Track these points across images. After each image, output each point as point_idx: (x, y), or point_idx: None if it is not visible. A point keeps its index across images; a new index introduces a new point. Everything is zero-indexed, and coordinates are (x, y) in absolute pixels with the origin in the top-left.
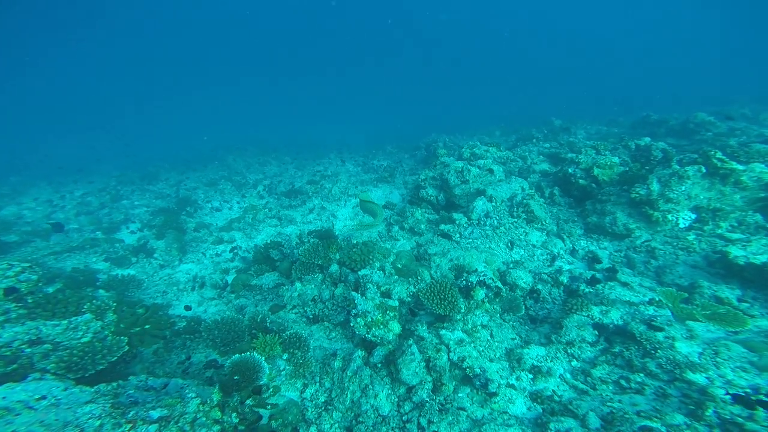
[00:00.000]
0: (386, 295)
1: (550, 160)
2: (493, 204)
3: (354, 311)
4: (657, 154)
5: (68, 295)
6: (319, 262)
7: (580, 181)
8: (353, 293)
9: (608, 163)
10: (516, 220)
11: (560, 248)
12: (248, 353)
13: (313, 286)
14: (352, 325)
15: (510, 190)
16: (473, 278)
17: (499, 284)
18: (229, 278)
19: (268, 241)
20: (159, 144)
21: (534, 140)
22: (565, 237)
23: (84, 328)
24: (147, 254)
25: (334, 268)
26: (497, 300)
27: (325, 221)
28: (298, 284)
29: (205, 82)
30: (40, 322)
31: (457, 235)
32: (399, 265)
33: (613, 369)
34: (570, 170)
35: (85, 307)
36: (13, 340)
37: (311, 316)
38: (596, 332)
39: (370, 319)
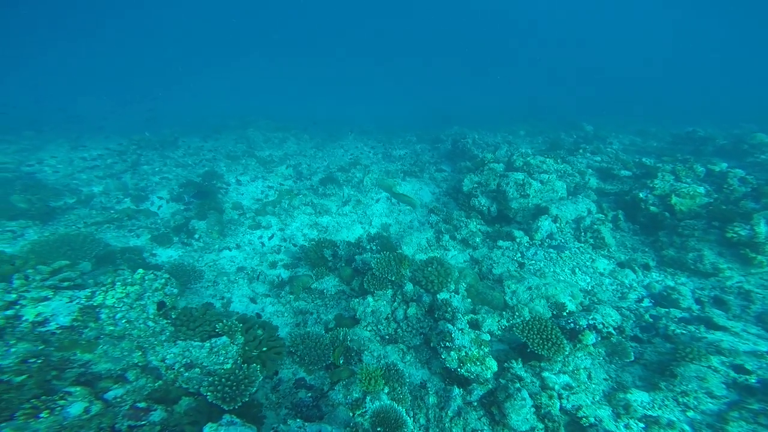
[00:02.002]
0: (475, 326)
1: (599, 174)
2: (558, 225)
3: (448, 343)
4: (733, 182)
5: (202, 313)
6: (392, 278)
7: (651, 208)
8: (448, 326)
9: (690, 193)
10: (582, 245)
11: (632, 279)
12: (388, 403)
13: (384, 302)
14: (443, 357)
15: (576, 211)
16: (582, 321)
17: (612, 330)
18: (275, 272)
19: (320, 239)
20: (175, 109)
21: (581, 150)
22: (636, 268)
23: (223, 352)
24: (188, 234)
25: (409, 287)
26: (602, 342)
27: (360, 215)
28: (370, 299)
29: (222, 56)
30: (189, 343)
31: (519, 255)
32: (465, 283)
33: (756, 429)
34: (641, 195)
35: (218, 327)
36: (174, 362)
37: (386, 336)
38: (723, 384)
39: (464, 354)
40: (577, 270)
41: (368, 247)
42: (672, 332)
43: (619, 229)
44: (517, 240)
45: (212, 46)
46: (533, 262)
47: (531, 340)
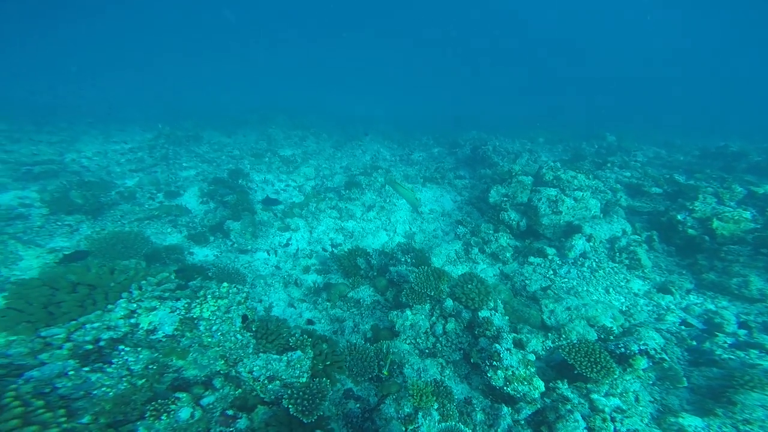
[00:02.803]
0: (519, 345)
1: (628, 190)
2: (592, 244)
3: (495, 362)
4: None
5: (276, 326)
6: (431, 293)
7: (690, 230)
8: (496, 345)
9: (735, 218)
10: (616, 265)
11: (669, 301)
12: (452, 423)
13: (422, 316)
14: (489, 375)
15: (610, 231)
16: (634, 346)
17: (665, 356)
18: (309, 277)
19: (353, 247)
20: (191, 97)
21: (609, 164)
22: (673, 290)
23: (298, 366)
24: (224, 234)
25: (449, 303)
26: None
27: (384, 222)
28: (408, 312)
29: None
30: (269, 356)
31: (551, 272)
32: (500, 300)
33: None
34: (679, 217)
35: (292, 341)
36: (259, 375)
37: (425, 350)
38: None
39: (510, 373)
40: (611, 290)
41: (403, 259)
42: (719, 357)
43: (653, 250)
44: (549, 257)
45: (219, 35)
46: (566, 280)
47: (578, 363)
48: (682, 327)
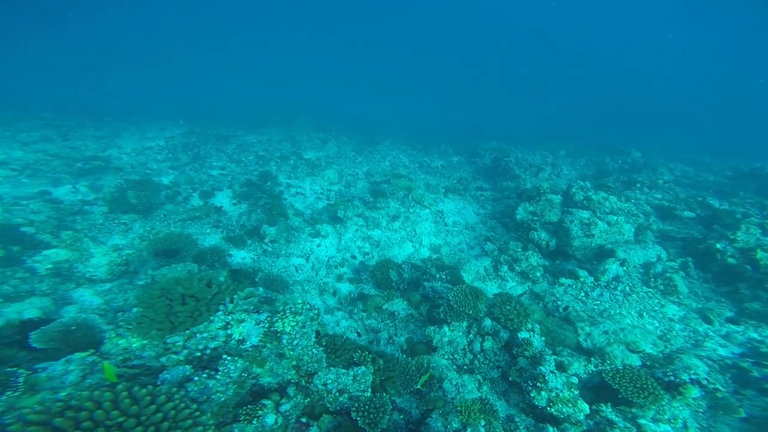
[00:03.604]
0: (560, 367)
1: (658, 213)
2: (626, 269)
3: (539, 383)
4: None
5: (342, 342)
6: (470, 312)
7: (729, 259)
8: (541, 368)
9: None
10: (651, 290)
11: (706, 328)
12: None
13: (460, 333)
14: (531, 395)
15: (645, 256)
16: (684, 375)
17: (719, 386)
18: (342, 285)
19: (385, 259)
20: (214, 96)
21: (638, 184)
22: (712, 317)
23: (363, 380)
24: (259, 238)
25: (488, 323)
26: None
27: (410, 233)
28: (446, 329)
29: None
30: (338, 370)
31: (582, 294)
32: (534, 320)
33: None
34: (718, 246)
35: (356, 356)
36: (332, 388)
37: (462, 366)
38: None
39: (554, 395)
40: (644, 314)
41: (438, 275)
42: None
43: (688, 277)
44: (581, 279)
45: (237, 34)
46: (598, 302)
47: (624, 388)
48: (723, 355)
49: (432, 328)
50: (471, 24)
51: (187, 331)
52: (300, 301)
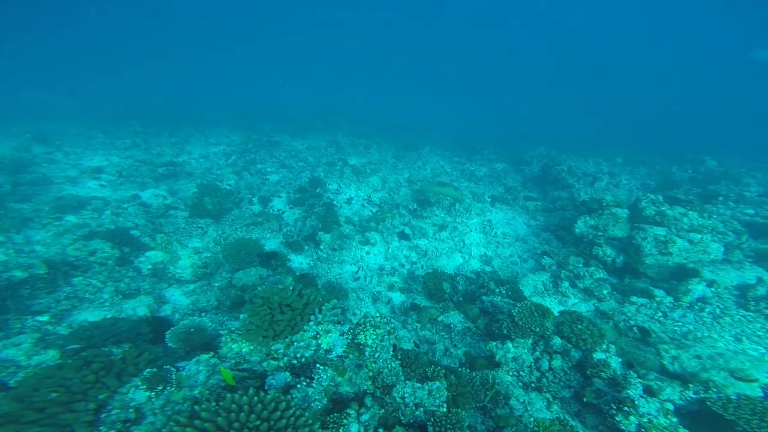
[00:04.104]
0: (650, 392)
1: (751, 230)
2: (714, 290)
3: (626, 408)
4: None
5: (415, 355)
6: (536, 329)
7: None
8: (627, 391)
9: None
10: (751, 314)
11: None
12: None
13: (525, 350)
14: (617, 419)
15: (740, 278)
16: None
17: None
18: (394, 295)
19: (437, 271)
20: (261, 99)
21: (721, 198)
22: None
23: (438, 395)
24: (315, 244)
25: (557, 341)
26: None
27: (458, 243)
28: (510, 345)
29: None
30: (414, 384)
31: (659, 314)
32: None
33: None
34: None
35: (429, 371)
36: (409, 401)
37: (529, 383)
38: None
39: (647, 420)
40: (744, 339)
41: (497, 290)
42: None
43: None
44: (657, 299)
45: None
46: (680, 324)
47: (744, 421)
48: None
49: (494, 343)
50: (512, 26)
51: (287, 339)
52: (377, 314)
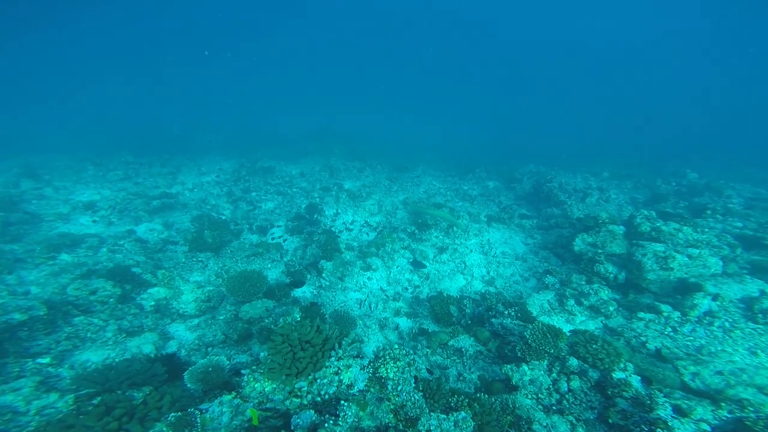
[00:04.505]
0: (679, 412)
1: (742, 243)
2: (719, 303)
3: (658, 429)
4: None
5: (436, 386)
6: (551, 351)
7: None
8: (659, 412)
9: None
10: (761, 326)
11: None
12: None
13: (541, 372)
14: None
15: (743, 291)
16: None
17: None
18: (401, 320)
19: (445, 294)
20: (249, 123)
21: (709, 211)
22: None
23: (464, 426)
24: (317, 272)
25: (574, 362)
26: None
27: (459, 265)
28: (525, 367)
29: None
30: (439, 415)
31: (669, 329)
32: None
33: None
34: None
35: (452, 401)
36: None
37: (549, 406)
38: None
39: None
40: (759, 352)
41: (506, 312)
42: None
43: None
44: (665, 314)
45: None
46: (691, 338)
47: None
48: None
49: (509, 366)
50: (493, 42)
51: (310, 377)
52: (397, 346)
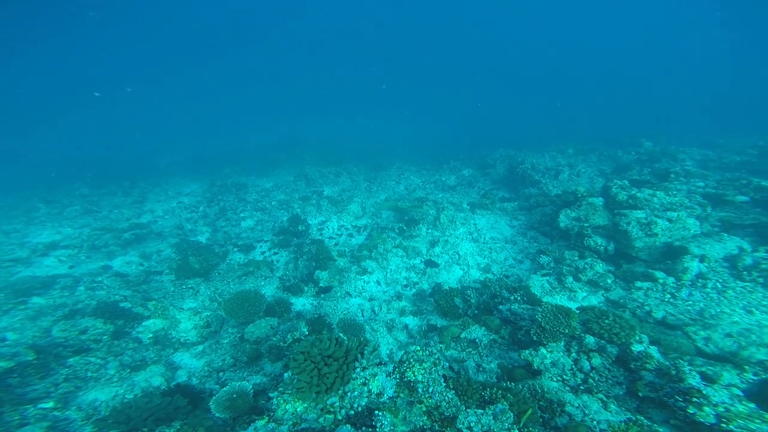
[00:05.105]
0: (707, 379)
1: (708, 201)
2: (707, 265)
3: (696, 399)
4: None
5: (466, 380)
6: (565, 331)
7: None
8: (690, 380)
9: None
10: (748, 284)
11: None
12: None
13: (560, 353)
14: (690, 411)
15: (724, 250)
16: None
17: None
18: (408, 320)
19: (449, 288)
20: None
21: (673, 175)
22: None
23: (504, 418)
24: (314, 283)
25: (590, 339)
26: None
27: (453, 256)
28: (544, 351)
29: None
30: (477, 411)
31: (668, 296)
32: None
33: None
34: None
35: (486, 395)
36: (489, 428)
37: (576, 387)
38: None
39: (724, 410)
40: (753, 310)
41: (512, 297)
42: None
43: None
44: (660, 281)
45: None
46: (690, 303)
47: None
48: None
49: (527, 351)
50: (448, 31)
51: (340, 391)
52: (419, 348)
